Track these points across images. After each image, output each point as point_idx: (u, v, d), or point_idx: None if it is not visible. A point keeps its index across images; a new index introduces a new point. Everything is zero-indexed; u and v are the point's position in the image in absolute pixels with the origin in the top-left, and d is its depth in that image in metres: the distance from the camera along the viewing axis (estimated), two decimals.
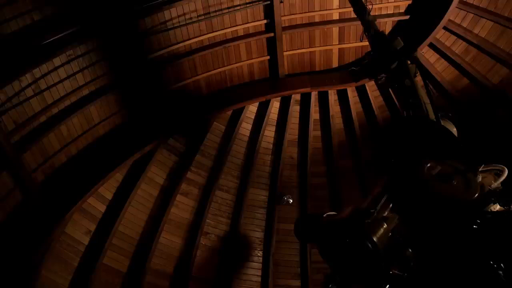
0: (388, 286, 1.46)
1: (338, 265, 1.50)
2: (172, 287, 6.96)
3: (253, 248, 7.57)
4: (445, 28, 6.82)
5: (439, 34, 6.89)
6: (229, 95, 7.44)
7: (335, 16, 7.11)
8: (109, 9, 5.60)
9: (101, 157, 6.41)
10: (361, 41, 2.81)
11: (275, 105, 7.82)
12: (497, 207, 1.88)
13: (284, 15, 6.92)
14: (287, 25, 7.08)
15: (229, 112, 7.61)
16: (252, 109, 7.75)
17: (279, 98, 7.75)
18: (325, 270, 1.58)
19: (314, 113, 7.77)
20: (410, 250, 1.56)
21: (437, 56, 7.12)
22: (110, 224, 6.42)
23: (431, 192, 1.62)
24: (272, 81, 7.60)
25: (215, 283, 7.25)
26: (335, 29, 7.24)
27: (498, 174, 2.03)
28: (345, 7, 6.92)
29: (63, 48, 5.47)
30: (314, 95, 7.66)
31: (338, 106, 7.83)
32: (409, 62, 2.72)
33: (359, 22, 6.91)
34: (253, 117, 7.79)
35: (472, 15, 6.60)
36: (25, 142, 5.53)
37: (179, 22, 6.37)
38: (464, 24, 6.72)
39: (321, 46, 7.41)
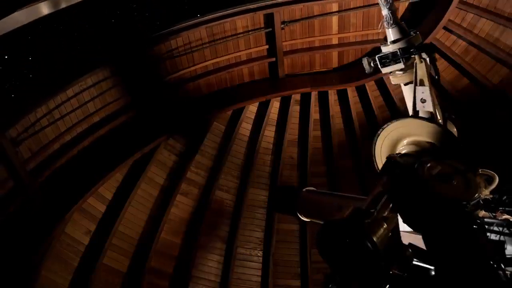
0: (388, 286, 1.46)
1: (338, 265, 1.50)
2: (172, 287, 6.97)
3: (253, 248, 7.57)
4: (445, 28, 6.82)
5: (439, 34, 6.90)
6: (229, 95, 7.45)
7: (334, 41, 7.38)
8: (118, 40, 5.83)
9: (101, 157, 6.41)
10: (379, 30, 2.76)
11: (275, 105, 7.82)
12: (482, 212, 1.86)
13: (285, 40, 7.17)
14: (288, 49, 7.32)
15: (229, 112, 7.62)
16: (252, 109, 7.75)
17: (279, 98, 7.76)
18: (325, 270, 1.58)
19: (314, 113, 7.77)
20: (410, 250, 1.57)
21: (437, 56, 7.11)
22: (110, 224, 6.41)
23: (431, 192, 1.62)
24: (272, 81, 7.61)
25: (215, 283, 7.25)
26: (334, 53, 7.54)
27: (489, 181, 1.99)
28: (343, 32, 7.24)
29: (76, 79, 5.83)
30: (314, 95, 7.67)
31: (338, 106, 7.84)
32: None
33: (356, 46, 7.27)
34: (253, 117, 7.79)
35: (472, 15, 6.61)
36: (40, 169, 5.81)
37: (184, 50, 6.70)
38: (464, 24, 6.72)
39: (321, 69, 7.67)
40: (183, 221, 7.25)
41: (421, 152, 2.08)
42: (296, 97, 7.76)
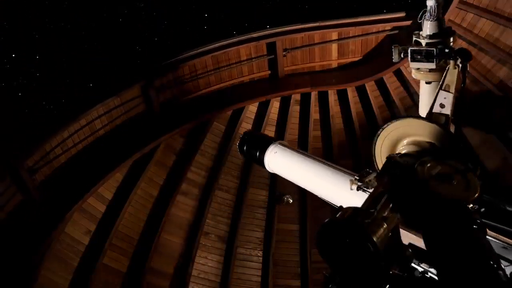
0: (388, 286, 1.46)
1: (338, 265, 1.50)
2: (172, 287, 6.97)
3: (253, 248, 7.57)
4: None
5: None
6: (229, 95, 7.46)
7: (334, 65, 7.71)
8: (124, 71, 6.03)
9: (101, 157, 6.41)
10: (419, 21, 2.62)
11: (275, 105, 7.82)
12: None
13: (287, 66, 7.48)
14: (289, 74, 7.61)
15: (229, 112, 7.62)
16: (252, 109, 7.75)
17: (279, 98, 7.76)
18: (325, 270, 1.58)
19: (314, 113, 7.78)
20: (410, 250, 1.57)
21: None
22: (110, 224, 6.42)
23: (431, 192, 1.62)
24: (272, 81, 7.61)
25: (215, 283, 7.25)
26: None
27: None
28: (343, 58, 7.63)
29: (88, 109, 6.12)
30: (314, 95, 7.67)
31: (338, 106, 7.84)
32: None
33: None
34: (253, 117, 7.79)
35: (472, 15, 6.61)
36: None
37: (191, 77, 7.02)
38: (464, 24, 6.72)
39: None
40: (183, 221, 7.25)
41: (421, 152, 2.07)
42: (296, 97, 7.76)
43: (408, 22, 6.99)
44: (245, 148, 2.85)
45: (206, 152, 7.50)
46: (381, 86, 7.63)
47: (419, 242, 1.63)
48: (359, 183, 2.11)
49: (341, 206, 1.70)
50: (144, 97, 6.76)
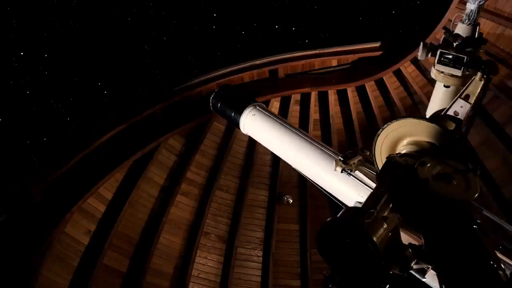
0: (388, 286, 1.46)
1: (338, 265, 1.51)
2: (172, 287, 6.97)
3: (253, 248, 7.57)
4: (445, 28, 6.82)
5: (439, 34, 6.90)
6: None
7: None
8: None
9: (101, 157, 6.41)
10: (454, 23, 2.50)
11: (275, 105, 7.82)
12: None
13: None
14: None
15: None
16: None
17: (279, 98, 7.76)
18: (325, 270, 1.58)
19: (314, 113, 7.78)
20: (410, 250, 1.57)
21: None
22: (110, 224, 6.42)
23: (431, 192, 1.62)
24: (272, 81, 7.62)
25: (215, 283, 7.25)
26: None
27: None
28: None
29: (98, 139, 6.35)
30: (314, 95, 7.67)
31: (338, 106, 7.84)
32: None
33: None
34: None
35: None
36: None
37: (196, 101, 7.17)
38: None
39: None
40: (183, 221, 7.25)
41: (421, 152, 2.07)
42: (296, 97, 7.76)
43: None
44: (219, 105, 2.73)
45: (206, 152, 7.50)
46: (381, 86, 7.63)
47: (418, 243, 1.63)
48: (344, 165, 2.11)
49: (342, 206, 1.70)
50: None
